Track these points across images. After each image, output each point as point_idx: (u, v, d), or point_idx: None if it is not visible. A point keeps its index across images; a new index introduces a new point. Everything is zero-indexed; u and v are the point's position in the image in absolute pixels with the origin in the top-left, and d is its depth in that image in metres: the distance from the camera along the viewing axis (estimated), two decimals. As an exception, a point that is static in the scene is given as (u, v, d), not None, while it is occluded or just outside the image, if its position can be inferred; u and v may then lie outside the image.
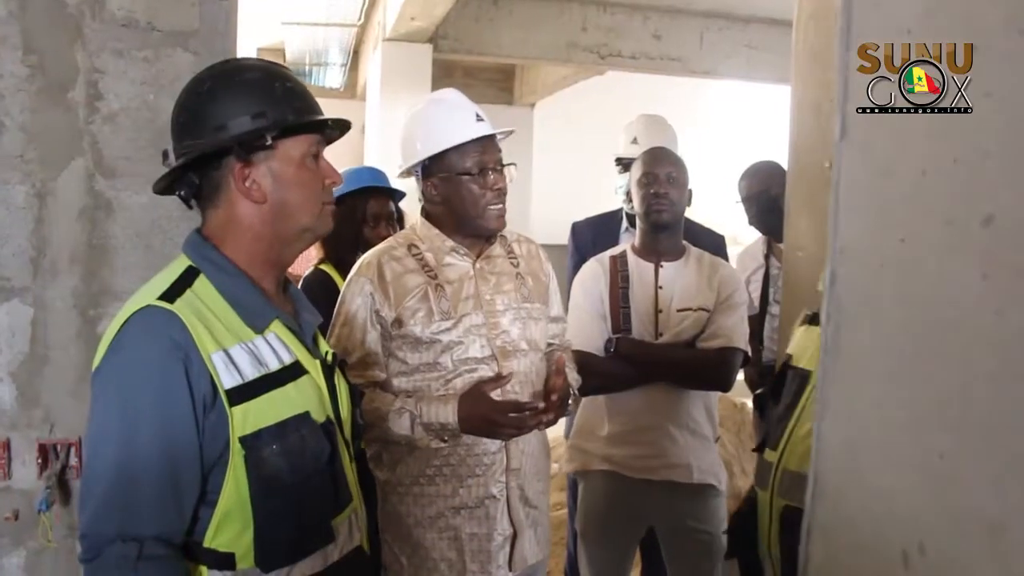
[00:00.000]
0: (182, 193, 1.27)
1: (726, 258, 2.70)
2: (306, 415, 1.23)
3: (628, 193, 2.64)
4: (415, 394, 1.80)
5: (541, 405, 1.78)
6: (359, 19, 5.02)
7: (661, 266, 2.46)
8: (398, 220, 2.85)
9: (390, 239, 1.97)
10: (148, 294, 1.16)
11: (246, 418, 1.15)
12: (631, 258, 2.50)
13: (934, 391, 0.53)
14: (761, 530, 1.52)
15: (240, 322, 1.19)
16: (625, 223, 3.01)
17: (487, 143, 1.85)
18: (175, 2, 1.53)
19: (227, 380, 1.14)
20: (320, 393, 1.28)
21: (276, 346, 1.22)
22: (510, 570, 1.86)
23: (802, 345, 1.60)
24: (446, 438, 1.75)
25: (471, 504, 1.82)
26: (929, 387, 0.54)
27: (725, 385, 2.43)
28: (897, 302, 0.57)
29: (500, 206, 1.86)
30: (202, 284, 1.19)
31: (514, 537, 1.86)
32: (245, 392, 1.15)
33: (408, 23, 4.12)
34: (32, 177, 1.49)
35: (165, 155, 1.24)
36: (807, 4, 1.96)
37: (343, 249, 2.50)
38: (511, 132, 1.91)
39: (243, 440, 1.14)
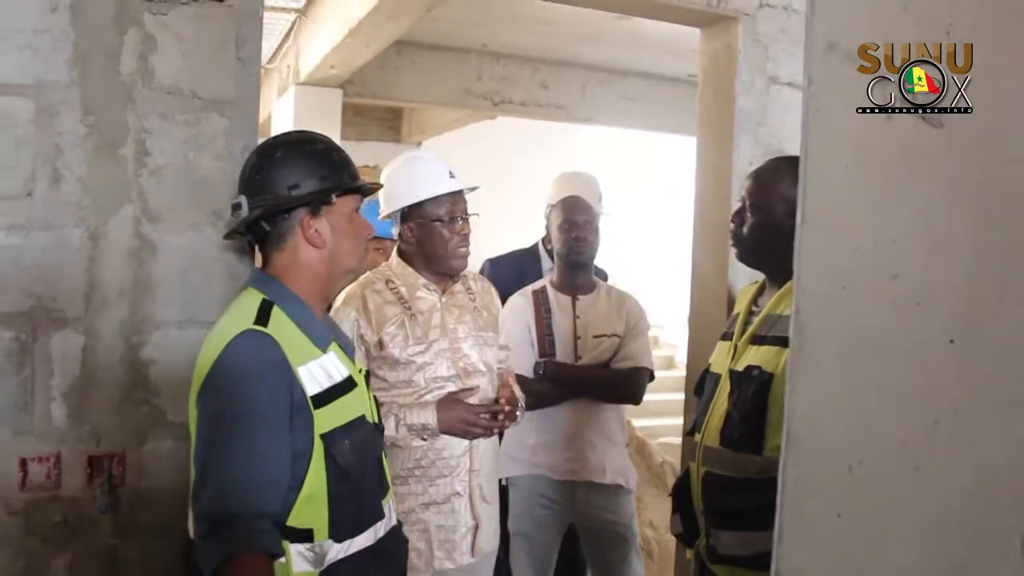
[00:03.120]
0: (249, 238, 1.55)
1: None
2: (363, 418, 1.53)
3: (548, 235, 3.05)
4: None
5: (507, 407, 2.14)
6: (269, 62, 5.23)
7: (577, 299, 2.88)
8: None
9: (369, 274, 2.27)
10: (241, 321, 1.43)
11: (324, 420, 1.43)
12: (550, 292, 2.91)
13: (865, 375, 0.95)
14: (693, 491, 1.95)
15: (310, 343, 1.48)
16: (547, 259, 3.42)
17: (456, 195, 2.21)
18: (215, 74, 1.79)
19: (311, 388, 1.43)
20: (367, 401, 1.59)
21: (336, 363, 1.51)
22: (472, 556, 2.19)
23: (716, 356, 2.06)
24: (425, 437, 2.07)
25: (439, 500, 2.12)
26: (862, 372, 0.95)
27: (636, 399, 2.87)
28: (842, 324, 0.97)
29: (465, 249, 2.22)
30: (277, 313, 1.47)
31: (476, 528, 2.19)
32: (323, 398, 1.44)
33: (327, 70, 4.39)
34: (87, 222, 1.70)
35: (237, 207, 1.51)
36: (709, 86, 2.45)
37: None
38: (476, 188, 2.28)
39: (323, 437, 1.42)
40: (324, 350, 1.50)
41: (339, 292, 1.70)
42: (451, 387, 2.15)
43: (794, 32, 2.38)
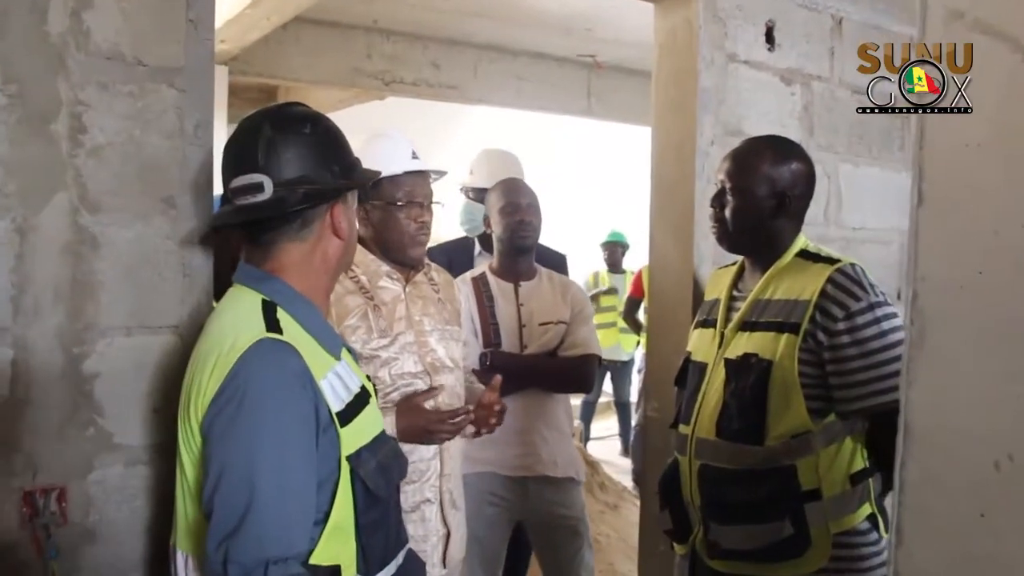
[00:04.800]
0: (259, 223, 1.31)
1: (567, 274, 3.08)
2: (383, 433, 1.36)
3: (486, 219, 2.91)
4: None
5: (470, 409, 2.00)
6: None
7: (520, 285, 2.77)
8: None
9: None
10: (249, 326, 1.22)
11: (349, 438, 1.25)
12: (491, 279, 2.79)
13: (1011, 365, 0.89)
14: (683, 485, 1.89)
15: (322, 350, 1.29)
16: (479, 247, 3.28)
17: (419, 179, 2.04)
18: (161, 38, 1.53)
19: (335, 404, 1.24)
20: (379, 413, 1.41)
21: (348, 372, 1.33)
22: (444, 567, 2.05)
23: (696, 344, 2.00)
24: None
25: (407, 509, 1.98)
26: (1008, 363, 0.89)
27: (588, 387, 2.81)
28: (979, 312, 0.91)
29: (424, 237, 2.05)
30: (284, 317, 1.26)
31: (447, 537, 2.05)
32: (347, 414, 1.26)
33: (217, 45, 4.02)
34: (12, 212, 1.41)
35: (260, 187, 1.27)
36: (666, 63, 2.39)
37: (220, 282, 2.48)
38: (444, 173, 2.11)
39: (349, 458, 1.24)
40: (337, 356, 1.32)
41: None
42: (419, 384, 2.00)
43: (749, 9, 2.35)
